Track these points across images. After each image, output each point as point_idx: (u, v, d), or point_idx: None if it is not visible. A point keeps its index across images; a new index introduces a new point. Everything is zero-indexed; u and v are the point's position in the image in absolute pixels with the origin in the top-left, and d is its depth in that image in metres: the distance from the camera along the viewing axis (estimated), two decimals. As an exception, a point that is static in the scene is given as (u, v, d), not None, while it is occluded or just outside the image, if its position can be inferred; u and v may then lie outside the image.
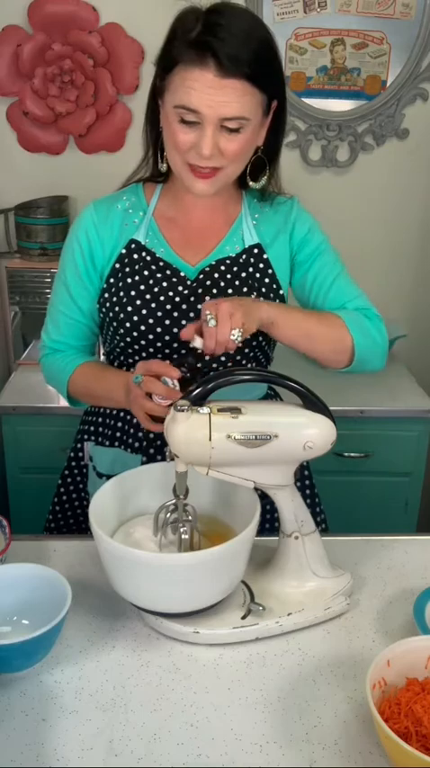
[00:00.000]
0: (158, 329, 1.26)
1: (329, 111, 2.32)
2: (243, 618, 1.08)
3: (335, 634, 1.10)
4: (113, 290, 1.29)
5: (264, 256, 1.32)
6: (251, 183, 1.28)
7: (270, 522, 1.41)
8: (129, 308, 1.26)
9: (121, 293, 1.27)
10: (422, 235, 2.48)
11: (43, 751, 0.90)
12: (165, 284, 1.27)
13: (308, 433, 1.04)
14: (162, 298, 1.26)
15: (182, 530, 1.07)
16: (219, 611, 1.08)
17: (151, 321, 1.26)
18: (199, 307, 1.25)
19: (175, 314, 1.26)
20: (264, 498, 1.12)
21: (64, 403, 1.42)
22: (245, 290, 1.29)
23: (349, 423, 2.08)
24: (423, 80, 2.29)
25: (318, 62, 2.27)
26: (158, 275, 1.27)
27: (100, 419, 1.43)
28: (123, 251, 1.28)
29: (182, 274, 1.28)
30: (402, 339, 2.38)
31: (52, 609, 0.99)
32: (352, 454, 2.16)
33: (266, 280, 1.31)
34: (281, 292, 1.33)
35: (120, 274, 1.28)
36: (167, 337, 1.26)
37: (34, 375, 2.18)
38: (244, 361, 1.32)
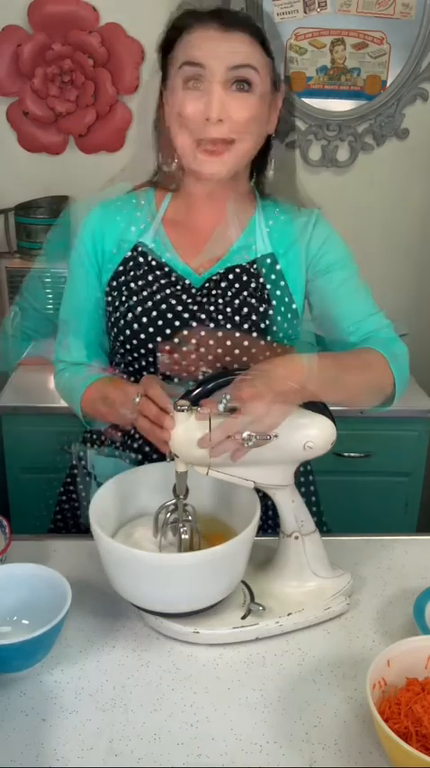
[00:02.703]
0: (159, 338, 1.20)
1: (329, 111, 2.32)
2: (243, 618, 1.08)
3: (335, 634, 1.10)
4: (116, 293, 1.24)
5: (277, 267, 1.24)
6: (269, 174, 1.27)
7: (271, 522, 1.41)
8: (130, 315, 1.21)
9: (123, 298, 1.23)
10: (422, 235, 2.48)
11: (43, 751, 0.90)
12: (168, 291, 1.21)
13: (308, 433, 1.04)
14: (164, 306, 1.21)
15: (182, 530, 1.07)
16: (219, 611, 1.08)
17: (151, 330, 1.20)
18: (202, 316, 1.20)
19: (177, 323, 1.20)
20: (264, 498, 1.12)
21: (64, 403, 1.41)
22: (253, 301, 1.22)
23: (349, 423, 2.06)
24: (423, 80, 2.29)
25: (318, 62, 2.27)
26: (162, 281, 1.22)
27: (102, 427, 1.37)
28: (128, 254, 1.24)
29: (187, 282, 1.22)
30: (403, 338, 2.37)
31: (52, 609, 0.99)
32: (352, 454, 2.16)
33: (278, 292, 1.24)
34: (294, 306, 1.25)
35: (122, 278, 1.24)
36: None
37: (34, 375, 2.18)
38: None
